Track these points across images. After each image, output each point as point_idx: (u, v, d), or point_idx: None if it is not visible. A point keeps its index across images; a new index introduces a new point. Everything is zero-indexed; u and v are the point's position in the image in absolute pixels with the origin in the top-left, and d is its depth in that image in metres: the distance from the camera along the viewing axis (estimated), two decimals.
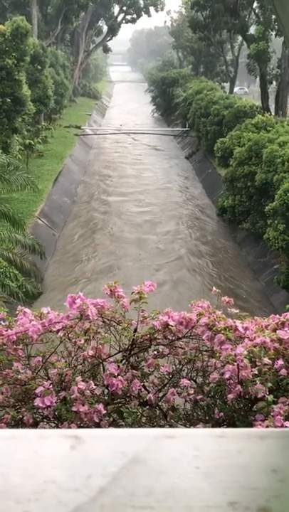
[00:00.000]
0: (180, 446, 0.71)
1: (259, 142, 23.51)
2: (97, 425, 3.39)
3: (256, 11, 38.79)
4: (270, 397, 3.05)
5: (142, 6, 63.89)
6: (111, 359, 3.49)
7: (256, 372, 3.13)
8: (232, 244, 24.34)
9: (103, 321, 3.60)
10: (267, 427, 2.88)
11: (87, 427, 3.41)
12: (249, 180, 23.09)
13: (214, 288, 3.87)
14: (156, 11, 64.93)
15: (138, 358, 3.58)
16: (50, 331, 3.53)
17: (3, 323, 3.62)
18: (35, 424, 3.45)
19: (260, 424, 2.95)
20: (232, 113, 32.47)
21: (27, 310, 3.63)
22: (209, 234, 25.56)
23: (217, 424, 3.41)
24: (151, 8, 64.31)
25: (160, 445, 0.71)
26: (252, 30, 38.76)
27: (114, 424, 3.54)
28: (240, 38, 45.40)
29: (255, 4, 38.83)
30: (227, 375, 3.15)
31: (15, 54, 24.11)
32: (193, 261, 22.17)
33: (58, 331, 3.46)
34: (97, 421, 3.29)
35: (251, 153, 23.56)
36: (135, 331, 3.55)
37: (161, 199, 30.58)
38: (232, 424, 3.37)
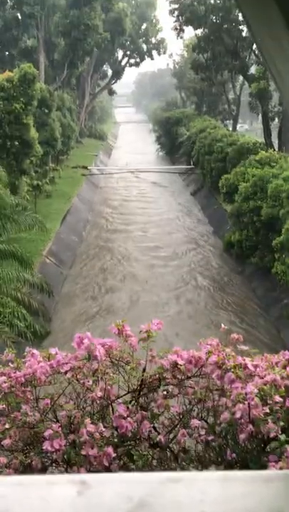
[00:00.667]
0: (186, 490, 0.71)
1: (264, 177, 23.77)
2: (107, 469, 3.32)
3: (256, 52, 39.98)
4: (283, 437, 2.98)
5: (145, 50, 66.14)
6: (120, 400, 3.45)
7: (268, 410, 3.07)
8: (240, 279, 24.25)
9: (111, 361, 3.58)
10: (281, 468, 2.80)
11: (97, 471, 3.34)
12: (255, 214, 23.22)
13: (223, 325, 3.84)
14: (159, 54, 67.16)
15: (147, 398, 3.54)
16: (59, 372, 3.51)
17: (11, 365, 3.61)
18: (43, 469, 3.39)
19: (273, 466, 2.88)
20: (236, 150, 32.99)
21: (35, 351, 3.62)
22: (217, 268, 25.54)
23: (229, 465, 3.33)
24: (154, 52, 66.57)
25: (166, 489, 0.71)
26: (252, 69, 39.90)
27: (124, 467, 3.46)
28: (241, 77, 46.66)
29: (254, 46, 40.05)
30: (238, 415, 3.10)
31: (23, 99, 24.92)
32: (201, 295, 22.07)
33: (66, 372, 3.44)
34: (106, 464, 3.22)
35: (256, 188, 23.79)
36: (144, 370, 3.52)
37: (168, 235, 30.75)
38: (245, 465, 3.29)
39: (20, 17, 42.05)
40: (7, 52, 46.26)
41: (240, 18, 40.73)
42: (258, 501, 0.69)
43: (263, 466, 3.15)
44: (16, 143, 24.97)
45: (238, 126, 67.54)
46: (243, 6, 0.93)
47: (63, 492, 0.71)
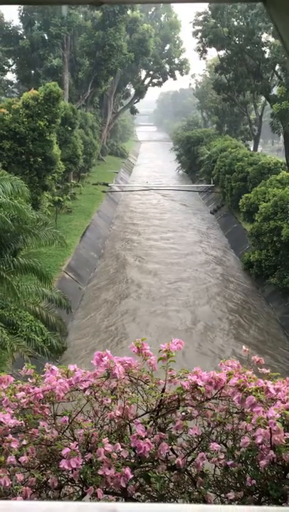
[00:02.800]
0: None
1: (284, 198, 23.66)
2: (124, 490, 3.27)
3: (278, 73, 40.14)
4: None
5: (167, 70, 66.98)
6: (138, 420, 3.40)
7: None
8: (259, 300, 23.99)
9: (130, 380, 3.54)
10: None
11: (113, 492, 3.29)
12: (275, 235, 23.06)
13: (244, 347, 3.78)
14: (182, 74, 67.90)
15: (166, 419, 3.48)
16: (77, 389, 3.49)
17: (30, 381, 3.60)
18: (59, 488, 3.35)
19: None
20: (256, 169, 32.97)
21: (54, 367, 3.61)
22: (235, 288, 25.32)
23: (249, 492, 3.24)
24: (177, 72, 67.34)
25: None
26: (275, 90, 40.00)
27: (140, 489, 3.40)
28: (263, 97, 46.82)
29: (277, 67, 40.24)
30: (259, 440, 3.03)
31: (47, 116, 25.38)
32: (219, 315, 21.86)
33: (84, 389, 3.42)
34: (123, 486, 3.17)
35: (277, 208, 23.67)
36: (163, 390, 3.48)
37: (187, 254, 30.68)
38: (265, 493, 3.20)
39: (46, 37, 43.01)
40: (33, 71, 47.28)
41: (263, 40, 41.10)
42: None
43: (284, 495, 3.06)
44: (39, 159, 25.37)
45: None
46: (274, 15, 0.93)
47: None
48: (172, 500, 3.38)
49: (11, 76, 51.10)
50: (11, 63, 47.10)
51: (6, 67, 46.69)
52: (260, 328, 20.95)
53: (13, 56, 45.65)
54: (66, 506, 0.75)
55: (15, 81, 50.74)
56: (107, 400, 3.41)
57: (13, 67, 47.22)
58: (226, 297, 24.07)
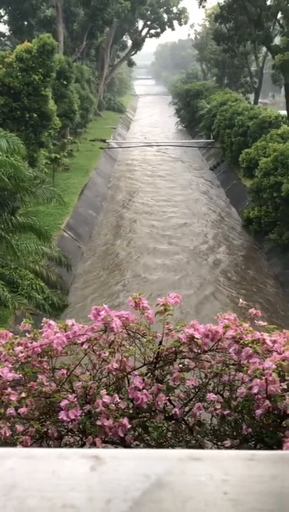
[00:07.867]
0: (207, 469, 0.66)
1: (285, 152, 23.29)
2: (122, 440, 3.34)
3: (280, 21, 38.67)
4: None
5: (165, 20, 64.62)
6: (136, 372, 3.45)
7: (285, 387, 3.04)
8: (258, 255, 24.05)
9: (128, 334, 3.56)
10: None
11: (112, 441, 3.37)
12: (275, 190, 22.85)
13: (241, 300, 3.78)
14: (180, 24, 65.57)
15: (163, 371, 3.52)
16: (75, 343, 3.52)
17: (28, 336, 3.62)
18: (59, 438, 3.43)
19: None
20: (257, 124, 32.31)
21: (52, 322, 3.62)
22: (234, 244, 25.34)
23: (245, 440, 3.32)
24: (175, 22, 64.97)
25: (185, 467, 0.67)
26: (276, 40, 38.68)
27: (139, 438, 3.48)
28: (264, 48, 45.33)
29: (279, 15, 38.72)
30: (255, 390, 3.07)
31: (41, 70, 24.60)
32: (218, 271, 21.97)
33: (82, 343, 3.44)
34: (121, 435, 3.24)
35: (277, 163, 23.34)
36: (160, 343, 3.50)
37: (186, 210, 30.52)
38: (260, 440, 3.27)
39: None
40: (26, 22, 45.56)
41: None
42: (285, 483, 0.64)
43: (279, 442, 3.13)
44: (35, 115, 24.79)
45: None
46: None
47: (75, 467, 0.68)
48: (170, 448, 3.47)
49: (3, 28, 49.39)
50: (2, 14, 45.38)
51: None
52: (258, 283, 21.09)
53: (5, 6, 43.90)
54: (48, 453, 0.73)
55: (7, 33, 49.04)
56: (104, 353, 3.44)
57: (5, 17, 45.50)
58: (223, 253, 24.11)
